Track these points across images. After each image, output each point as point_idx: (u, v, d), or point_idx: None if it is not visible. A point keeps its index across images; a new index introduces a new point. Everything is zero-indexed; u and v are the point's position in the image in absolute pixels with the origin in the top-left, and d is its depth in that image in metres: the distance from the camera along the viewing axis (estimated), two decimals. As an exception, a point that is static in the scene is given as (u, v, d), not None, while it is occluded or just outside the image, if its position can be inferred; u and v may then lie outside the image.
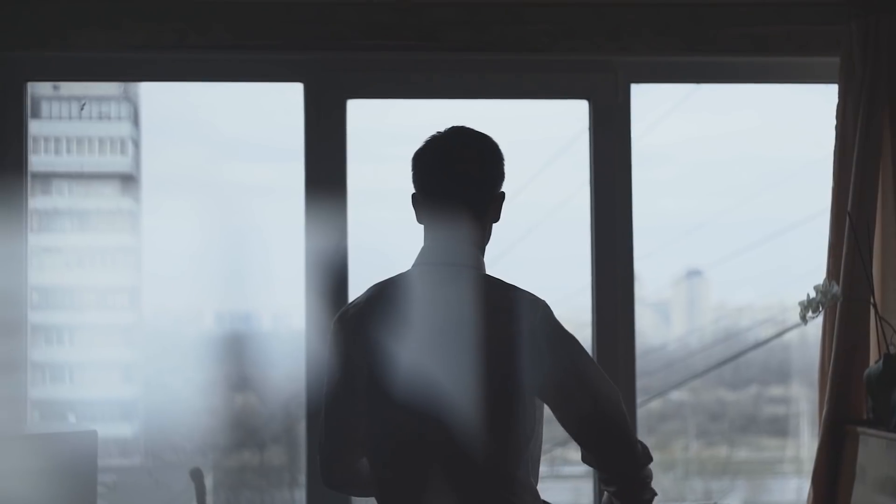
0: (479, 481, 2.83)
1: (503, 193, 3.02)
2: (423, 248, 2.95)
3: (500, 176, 2.99)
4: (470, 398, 2.83)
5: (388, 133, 3.50)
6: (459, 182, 2.92)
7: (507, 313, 2.90)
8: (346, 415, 2.84)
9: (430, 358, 2.80)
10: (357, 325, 2.77)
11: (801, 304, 3.70)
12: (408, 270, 2.93)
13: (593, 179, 3.84)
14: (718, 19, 3.76)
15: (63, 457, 2.84)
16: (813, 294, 3.73)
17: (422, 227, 2.93)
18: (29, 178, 3.56)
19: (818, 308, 3.76)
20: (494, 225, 2.97)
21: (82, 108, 8.79)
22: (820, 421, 3.88)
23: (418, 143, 2.99)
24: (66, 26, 3.55)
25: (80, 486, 2.95)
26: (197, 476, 3.38)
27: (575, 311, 4.39)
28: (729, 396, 9.71)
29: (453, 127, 3.00)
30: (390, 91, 3.83)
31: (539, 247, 4.72)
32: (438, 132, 2.99)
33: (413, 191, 2.97)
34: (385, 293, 2.82)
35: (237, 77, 3.77)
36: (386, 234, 3.62)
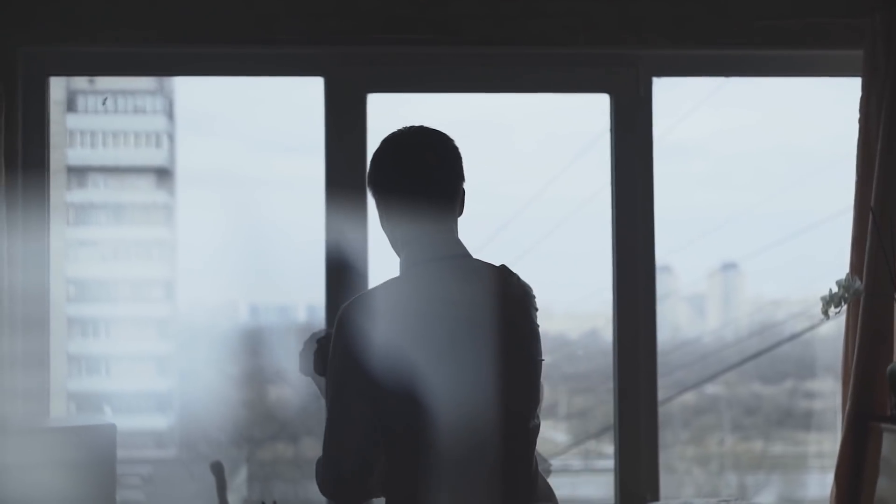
0: (517, 475, 2.83)
1: (464, 190, 3.02)
2: (415, 246, 2.90)
3: (462, 170, 2.99)
4: (506, 394, 2.82)
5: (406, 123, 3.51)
6: (434, 178, 2.91)
7: (527, 299, 2.90)
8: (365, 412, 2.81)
9: (466, 357, 2.79)
10: (378, 326, 2.75)
11: (823, 298, 3.66)
12: (412, 268, 2.88)
13: (614, 174, 3.82)
14: (740, 12, 3.73)
15: (83, 450, 2.86)
16: (835, 289, 3.70)
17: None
18: (51, 173, 3.58)
19: (840, 303, 3.72)
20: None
21: (104, 103, 8.85)
22: (843, 416, 3.85)
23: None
24: (88, 21, 3.56)
25: (99, 479, 2.97)
26: (217, 470, 3.38)
27: (603, 305, 4.37)
28: (764, 390, 9.65)
29: (410, 127, 2.99)
30: (410, 85, 3.82)
31: (567, 242, 4.70)
32: (398, 131, 2.97)
33: (373, 191, 2.92)
34: (406, 295, 2.80)
35: (258, 72, 3.77)
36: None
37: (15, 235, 3.43)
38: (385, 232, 2.95)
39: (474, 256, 2.89)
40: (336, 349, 2.75)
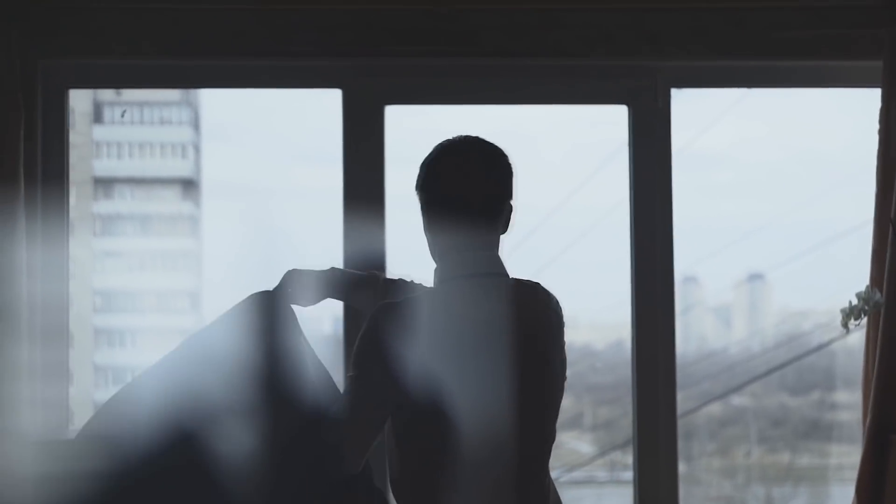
0: (532, 485, 2.83)
1: (511, 206, 2.98)
2: (449, 260, 2.91)
3: (511, 187, 2.96)
4: (524, 412, 2.82)
5: (426, 137, 3.51)
6: (482, 192, 2.89)
7: (558, 322, 2.90)
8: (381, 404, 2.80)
9: (486, 374, 2.79)
10: (405, 336, 2.75)
11: (842, 311, 3.64)
12: (447, 283, 2.87)
13: (633, 185, 3.79)
14: (758, 23, 3.70)
15: (92, 463, 2.85)
16: (855, 301, 3.68)
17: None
18: (78, 185, 3.61)
19: (860, 315, 3.69)
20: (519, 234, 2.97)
21: (122, 116, 8.91)
22: (864, 430, 3.83)
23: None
24: (108, 34, 3.57)
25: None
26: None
27: (629, 316, 4.36)
28: (791, 402, 9.60)
29: (467, 137, 2.96)
30: (427, 97, 3.80)
31: (592, 251, 4.69)
32: (451, 141, 2.93)
33: (420, 197, 2.90)
34: (434, 310, 2.80)
35: (277, 84, 3.76)
36: (422, 238, 3.61)
37: (34, 246, 3.45)
38: (426, 237, 2.92)
39: (511, 275, 2.88)
40: (364, 348, 2.74)
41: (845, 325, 3.57)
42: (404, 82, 3.72)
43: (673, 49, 3.70)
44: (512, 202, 2.89)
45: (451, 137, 2.85)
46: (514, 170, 2.88)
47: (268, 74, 3.72)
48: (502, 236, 2.90)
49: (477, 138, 2.85)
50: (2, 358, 3.29)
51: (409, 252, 3.12)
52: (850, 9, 3.72)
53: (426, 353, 2.73)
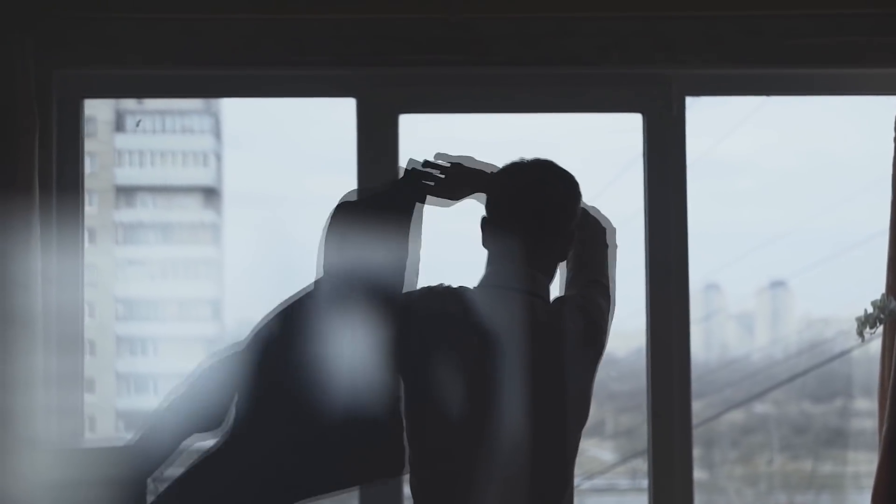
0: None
1: (573, 233, 2.97)
2: (488, 271, 2.90)
3: (576, 215, 2.96)
4: (540, 423, 2.81)
5: (441, 146, 3.51)
6: (540, 216, 2.89)
7: (574, 335, 2.88)
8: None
9: (498, 383, 2.79)
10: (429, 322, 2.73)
11: (857, 319, 3.62)
12: (476, 289, 2.86)
13: (647, 194, 3.79)
14: (773, 31, 3.70)
15: (111, 472, 2.87)
16: (870, 309, 3.66)
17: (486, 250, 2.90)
18: (86, 194, 3.61)
19: (875, 324, 3.68)
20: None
21: (138, 125, 8.95)
22: (879, 438, 3.80)
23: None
24: (122, 44, 3.59)
25: (130, 500, 2.98)
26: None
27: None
28: (814, 409, 9.56)
29: (538, 159, 2.97)
30: (441, 106, 3.81)
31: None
32: (522, 160, 2.94)
33: (484, 213, 2.92)
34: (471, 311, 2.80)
35: (291, 93, 3.78)
36: (436, 247, 3.61)
37: (49, 255, 3.47)
38: (483, 241, 2.93)
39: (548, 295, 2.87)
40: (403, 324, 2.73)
41: (860, 333, 3.55)
42: (418, 91, 3.73)
43: (687, 57, 3.70)
44: (573, 229, 2.89)
45: (521, 158, 2.89)
46: (580, 196, 2.89)
47: (282, 84, 3.74)
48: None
49: (548, 161, 2.88)
50: (17, 366, 3.31)
51: (422, 260, 3.12)
52: (866, 17, 3.71)
53: (417, 346, 2.73)
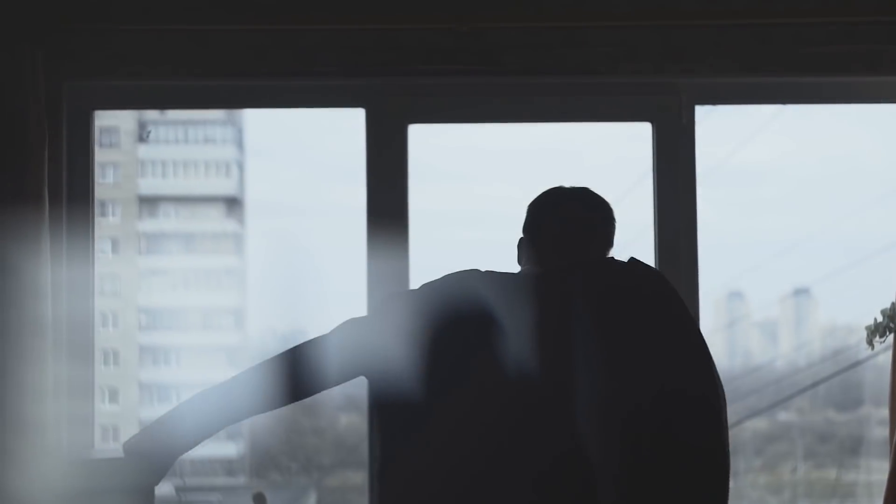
0: None
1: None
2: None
3: (609, 243, 2.99)
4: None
5: (450, 155, 3.51)
6: (573, 244, 2.91)
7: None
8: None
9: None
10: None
11: (867, 328, 3.60)
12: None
13: (657, 202, 3.78)
14: (784, 39, 3.68)
15: (122, 482, 2.87)
16: (880, 318, 3.64)
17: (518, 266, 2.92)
18: (95, 205, 3.63)
19: (885, 333, 3.65)
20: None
21: (148, 135, 9.00)
22: (891, 447, 3.77)
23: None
24: (132, 56, 3.61)
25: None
26: (259, 501, 3.40)
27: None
28: (838, 417, 9.51)
29: (577, 186, 3.00)
30: (451, 116, 3.81)
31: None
32: (562, 187, 2.98)
33: (521, 236, 2.95)
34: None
35: (301, 104, 3.79)
36: (447, 255, 3.62)
37: (59, 265, 3.49)
38: (518, 259, 2.95)
39: None
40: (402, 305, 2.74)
41: (870, 342, 3.53)
42: (427, 101, 3.74)
43: (697, 66, 3.69)
44: (610, 249, 2.90)
45: (561, 186, 2.92)
46: (615, 225, 2.91)
47: (292, 94, 3.75)
48: None
49: (587, 190, 2.92)
50: (29, 375, 3.33)
51: (432, 269, 3.12)
52: (879, 25, 3.69)
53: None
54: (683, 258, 3.71)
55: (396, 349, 2.70)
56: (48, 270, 3.37)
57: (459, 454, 2.65)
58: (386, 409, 2.74)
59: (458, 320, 2.71)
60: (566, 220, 2.91)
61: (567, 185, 2.97)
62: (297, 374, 2.76)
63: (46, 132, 3.43)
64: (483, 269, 2.79)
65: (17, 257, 3.35)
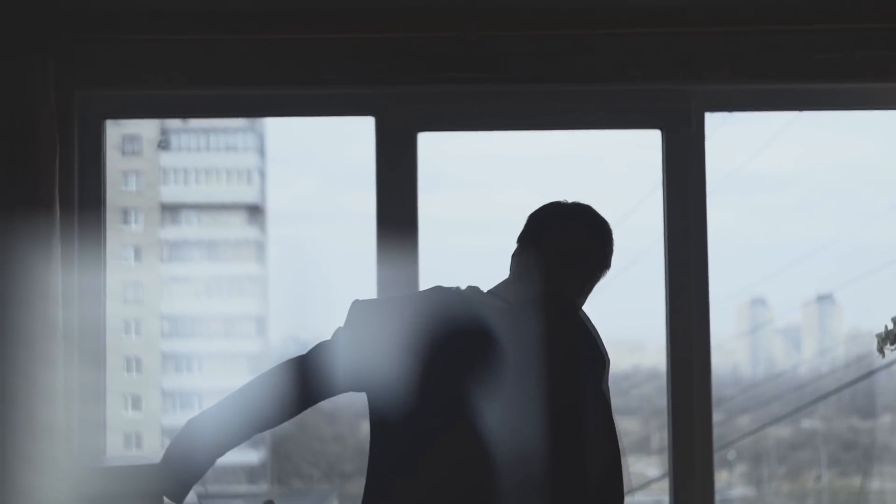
0: None
1: (597, 279, 3.00)
2: (505, 283, 2.92)
3: (603, 262, 2.99)
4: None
5: (459, 162, 3.52)
6: (563, 247, 2.92)
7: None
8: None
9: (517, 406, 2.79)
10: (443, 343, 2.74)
11: (878, 336, 3.57)
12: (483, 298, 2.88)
13: (666, 210, 3.75)
14: (793, 46, 3.65)
15: (129, 489, 2.88)
16: (891, 326, 3.61)
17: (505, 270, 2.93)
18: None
19: None
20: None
21: (159, 145, 9.03)
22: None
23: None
24: (143, 65, 3.62)
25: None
26: (270, 508, 3.41)
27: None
28: (862, 425, 9.47)
29: (578, 203, 3.00)
30: (460, 123, 3.79)
31: (654, 272, 4.64)
32: (563, 202, 2.97)
33: (516, 245, 2.95)
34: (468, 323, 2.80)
35: (310, 112, 3.79)
36: (457, 261, 3.62)
37: (71, 271, 3.50)
38: (510, 265, 2.96)
39: None
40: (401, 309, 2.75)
41: (881, 350, 3.50)
42: (436, 109, 3.73)
43: (706, 73, 3.66)
44: (601, 277, 2.90)
45: (561, 201, 2.92)
46: (613, 246, 2.91)
47: (301, 103, 3.75)
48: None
49: (588, 207, 2.91)
50: (40, 380, 3.34)
51: (444, 274, 3.12)
52: (887, 31, 3.67)
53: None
54: (693, 266, 3.69)
55: (391, 363, 2.72)
56: (59, 276, 3.39)
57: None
58: (376, 426, 2.76)
59: (451, 340, 2.74)
60: (556, 230, 2.90)
61: (570, 201, 2.96)
62: (306, 380, 2.77)
63: (58, 140, 3.44)
64: (459, 289, 2.82)
65: (29, 262, 3.37)
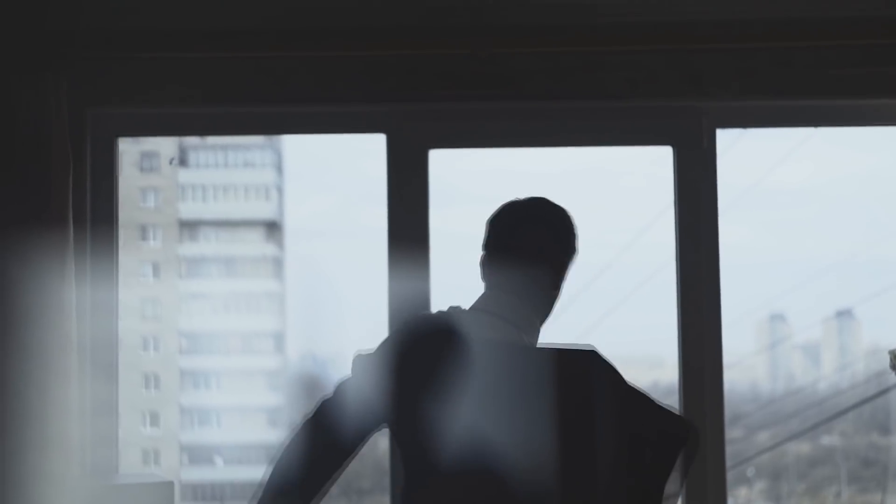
0: None
1: (565, 264, 2.99)
2: (480, 296, 2.93)
3: (570, 250, 2.99)
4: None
5: (472, 178, 3.53)
6: (530, 247, 2.91)
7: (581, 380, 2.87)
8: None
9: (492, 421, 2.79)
10: (417, 365, 2.75)
11: (891, 353, 3.54)
12: (462, 314, 2.88)
13: (678, 226, 3.74)
14: (803, 62, 3.64)
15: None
16: (905, 340, 3.59)
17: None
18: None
19: (909, 357, 3.60)
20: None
21: (171, 163, 9.03)
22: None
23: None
24: (154, 83, 3.63)
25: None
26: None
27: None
28: (882, 441, 9.43)
29: (533, 196, 3.00)
30: (471, 141, 3.79)
31: (671, 288, 4.65)
32: (517, 198, 2.98)
33: (483, 253, 2.95)
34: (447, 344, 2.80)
35: (322, 130, 3.79)
36: (469, 275, 3.62)
37: (84, 286, 3.51)
38: (481, 275, 2.97)
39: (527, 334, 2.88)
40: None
41: (894, 367, 3.47)
42: (447, 126, 3.72)
43: (717, 89, 3.65)
44: (569, 264, 2.89)
45: (517, 198, 2.91)
46: (575, 231, 2.90)
47: (313, 120, 3.75)
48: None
49: (541, 198, 2.90)
50: (53, 394, 3.35)
51: (454, 290, 3.13)
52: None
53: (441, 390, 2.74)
54: (706, 282, 3.68)
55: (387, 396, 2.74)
56: (73, 291, 3.40)
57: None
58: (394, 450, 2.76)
59: (437, 358, 2.76)
60: (519, 229, 2.90)
61: (524, 198, 2.95)
62: (329, 437, 2.78)
63: (71, 158, 3.45)
64: (442, 311, 2.82)
65: (43, 277, 3.37)
